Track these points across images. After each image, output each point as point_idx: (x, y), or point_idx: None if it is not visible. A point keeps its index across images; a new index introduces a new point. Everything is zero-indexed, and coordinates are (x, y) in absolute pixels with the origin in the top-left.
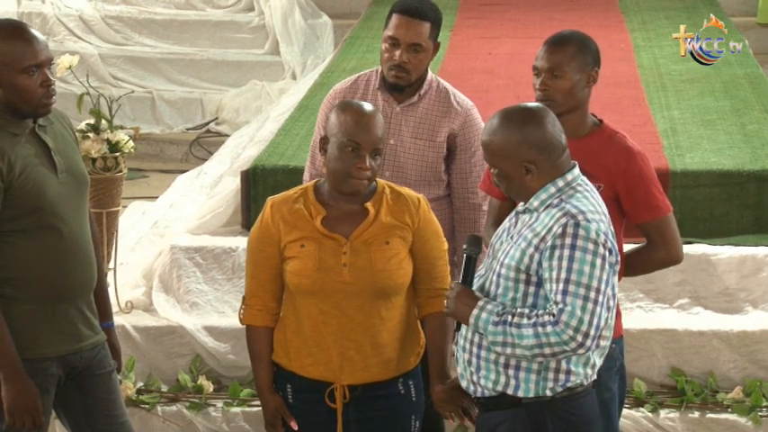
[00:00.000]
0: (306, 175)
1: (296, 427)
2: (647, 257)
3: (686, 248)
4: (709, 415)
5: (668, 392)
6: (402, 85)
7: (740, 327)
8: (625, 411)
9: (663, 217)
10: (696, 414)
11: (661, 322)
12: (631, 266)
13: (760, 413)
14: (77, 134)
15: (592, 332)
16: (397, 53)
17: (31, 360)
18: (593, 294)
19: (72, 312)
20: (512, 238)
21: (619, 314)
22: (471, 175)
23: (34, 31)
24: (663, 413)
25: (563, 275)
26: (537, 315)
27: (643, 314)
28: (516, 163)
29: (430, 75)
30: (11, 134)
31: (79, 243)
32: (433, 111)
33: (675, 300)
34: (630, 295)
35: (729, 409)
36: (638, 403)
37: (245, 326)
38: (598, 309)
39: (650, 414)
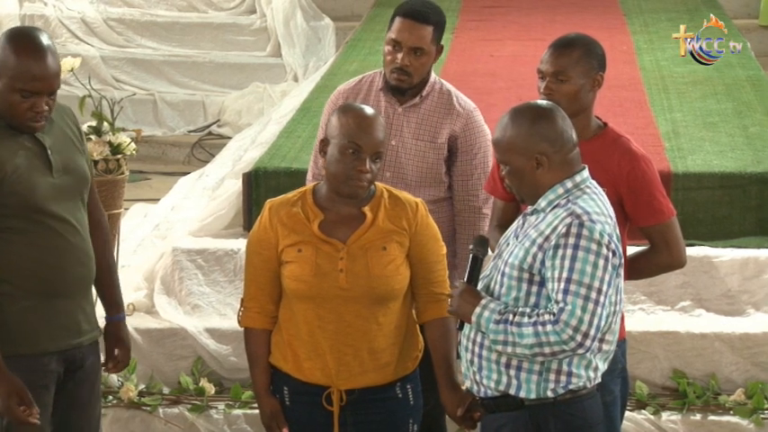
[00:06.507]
0: (309, 176)
1: None
2: (650, 261)
3: (688, 251)
4: (711, 417)
5: (670, 395)
6: (403, 87)
7: (742, 329)
8: (627, 414)
9: (666, 221)
10: (698, 416)
11: (663, 324)
12: (634, 270)
13: (762, 415)
14: None
15: (592, 332)
16: (399, 56)
17: (30, 356)
18: (594, 295)
19: (71, 307)
20: (517, 238)
21: (621, 317)
22: (472, 177)
23: (51, 59)
24: (665, 415)
25: (565, 275)
26: (537, 314)
27: (645, 316)
28: (528, 156)
29: (433, 76)
30: (5, 133)
31: (75, 239)
32: (435, 112)
33: (677, 302)
34: (632, 297)
35: (731, 412)
36: (640, 405)
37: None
38: (599, 309)
39: (652, 416)
